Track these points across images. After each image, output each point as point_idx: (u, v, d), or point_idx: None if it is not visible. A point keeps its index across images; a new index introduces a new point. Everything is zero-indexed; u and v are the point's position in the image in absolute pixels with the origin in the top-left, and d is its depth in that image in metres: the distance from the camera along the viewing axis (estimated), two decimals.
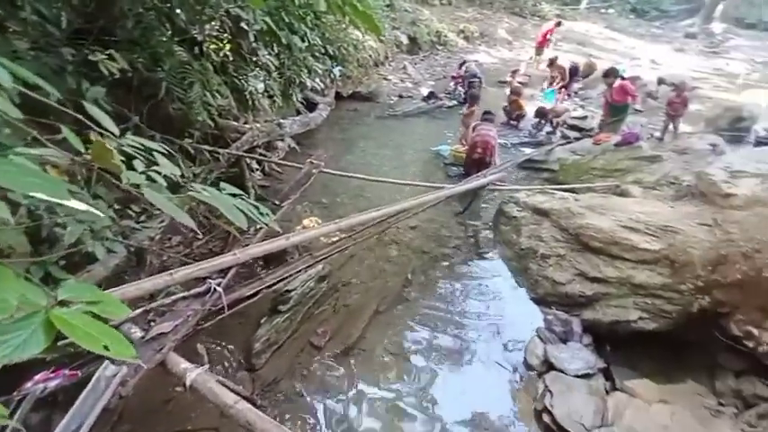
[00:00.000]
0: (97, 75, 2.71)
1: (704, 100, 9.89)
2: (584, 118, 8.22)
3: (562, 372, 2.82)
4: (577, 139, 7.04)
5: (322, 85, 6.65)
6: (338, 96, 8.25)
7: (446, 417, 2.72)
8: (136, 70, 3.13)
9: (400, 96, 9.44)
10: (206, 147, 3.90)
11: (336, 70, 7.35)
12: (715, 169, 3.69)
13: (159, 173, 1.35)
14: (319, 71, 6.02)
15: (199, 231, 3.40)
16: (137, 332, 2.06)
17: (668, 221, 3.34)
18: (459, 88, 9.17)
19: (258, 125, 4.84)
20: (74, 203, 0.79)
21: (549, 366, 2.93)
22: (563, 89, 8.75)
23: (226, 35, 4.53)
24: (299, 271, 2.95)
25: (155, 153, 1.37)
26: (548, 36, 11.89)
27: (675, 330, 3.06)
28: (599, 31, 17.72)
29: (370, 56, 9.50)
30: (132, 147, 1.35)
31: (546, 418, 2.57)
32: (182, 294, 2.31)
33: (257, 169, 5.33)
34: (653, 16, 20.77)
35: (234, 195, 1.38)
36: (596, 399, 2.64)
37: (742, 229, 2.91)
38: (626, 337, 3.19)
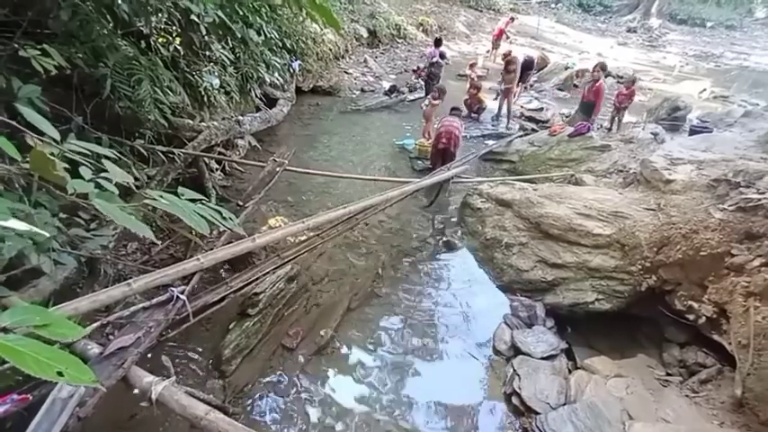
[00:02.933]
0: (30, 72, 2.47)
1: (645, 91, 10.62)
2: (540, 110, 8.59)
3: (528, 355, 2.97)
4: (535, 130, 7.34)
5: (281, 80, 6.47)
6: (299, 91, 8.05)
7: (420, 408, 2.78)
8: (75, 66, 2.88)
9: (362, 90, 9.37)
10: (160, 147, 3.68)
11: (296, 64, 7.17)
12: (656, 157, 3.99)
13: (110, 180, 1.25)
14: (278, 65, 5.85)
15: (156, 240, 3.22)
16: (93, 348, 1.93)
17: (618, 207, 3.57)
18: (421, 81, 9.24)
19: (215, 123, 4.62)
20: (12, 223, 0.72)
21: (516, 351, 3.07)
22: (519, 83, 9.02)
23: (175, 28, 4.27)
24: (267, 272, 2.89)
25: (103, 159, 1.27)
26: (504, 30, 12.25)
27: (628, 309, 3.31)
28: (550, 25, 18.48)
29: (330, 49, 9.33)
30: (77, 152, 1.25)
31: (515, 400, 2.70)
32: (142, 305, 2.19)
33: (217, 169, 5.11)
34: (598, 11, 21.94)
35: (194, 201, 1.32)
36: (560, 378, 2.80)
37: (681, 212, 3.18)
38: (585, 318, 3.40)
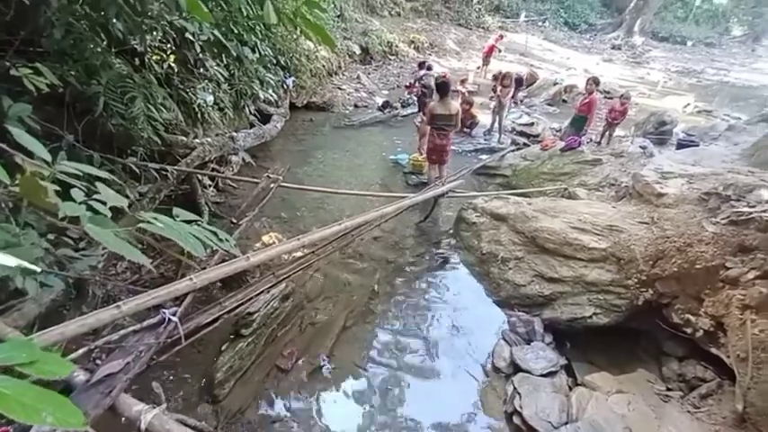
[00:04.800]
0: (21, 90, 2.44)
1: (632, 106, 10.87)
2: (531, 124, 8.73)
3: (528, 372, 2.92)
4: (527, 144, 7.44)
5: (275, 96, 6.50)
6: (293, 107, 8.11)
7: (419, 429, 2.71)
8: (68, 84, 2.86)
9: (355, 106, 9.46)
10: (152, 164, 3.64)
11: (290, 81, 7.23)
12: (647, 171, 4.05)
13: (103, 202, 1.22)
14: (272, 82, 5.89)
15: (148, 263, 3.14)
16: (80, 375, 1.85)
17: (612, 221, 3.60)
18: (414, 97, 9.37)
19: (209, 139, 4.61)
20: (1, 259, 0.68)
21: (515, 368, 3.02)
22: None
23: (169, 46, 4.29)
24: (262, 292, 2.83)
25: (97, 182, 1.24)
26: (494, 47, 12.54)
27: (625, 323, 3.29)
28: (538, 42, 18.98)
29: (324, 66, 9.45)
30: (69, 174, 1.21)
31: (516, 419, 2.64)
32: (132, 328, 2.11)
33: (210, 185, 5.07)
34: (583, 29, 22.60)
35: (189, 222, 1.28)
36: (561, 396, 2.76)
37: (674, 225, 3.21)
38: (583, 333, 3.37)
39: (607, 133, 7.23)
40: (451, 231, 4.84)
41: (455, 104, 5.07)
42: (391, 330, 3.51)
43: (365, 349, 3.30)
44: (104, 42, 3.29)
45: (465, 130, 8.33)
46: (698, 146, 6.39)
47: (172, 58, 4.36)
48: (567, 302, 3.44)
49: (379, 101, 9.48)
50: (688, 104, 11.50)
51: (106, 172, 1.60)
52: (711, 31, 24.94)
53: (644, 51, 19.95)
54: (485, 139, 8.06)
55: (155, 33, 3.71)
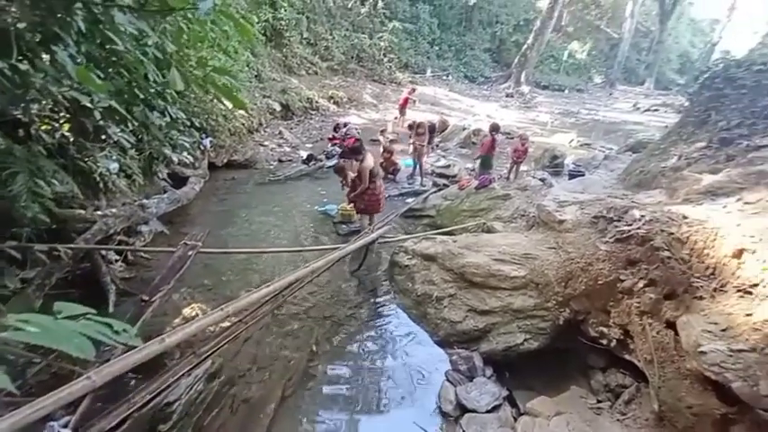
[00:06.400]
0: None
1: (531, 144, 12.44)
2: (448, 166, 9.46)
3: (474, 411, 2.93)
4: (446, 185, 8.01)
5: (191, 158, 6.24)
6: (212, 167, 7.82)
7: None
8: None
9: (280, 161, 9.45)
10: (39, 246, 3.18)
11: (206, 141, 7.04)
12: (548, 201, 4.58)
13: None
14: (186, 144, 5.66)
15: (10, 385, 2.64)
16: None
17: (527, 249, 3.95)
18: (337, 148, 9.67)
19: (114, 210, 4.20)
20: None
21: (462, 409, 3.01)
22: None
23: (63, 114, 3.95)
24: (182, 375, 2.52)
25: None
26: (408, 99, 13.66)
27: (553, 344, 3.52)
28: (445, 93, 21.15)
29: (243, 124, 9.39)
30: None
31: None
32: None
33: (118, 260, 4.54)
34: (481, 81, 25.88)
35: (76, 317, 1.13)
36: (507, 430, 2.79)
37: (575, 247, 3.62)
38: (519, 360, 3.52)
39: (514, 169, 8.14)
40: (386, 277, 4.87)
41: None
42: (334, 391, 3.32)
43: (308, 418, 3.05)
44: None
45: (389, 176, 8.74)
46: (584, 175, 7.44)
47: (66, 126, 4.01)
48: (500, 332, 3.60)
49: (304, 154, 9.60)
50: (572, 139, 13.47)
51: None
52: (579, 80, 30.21)
53: (532, 98, 23.27)
54: (408, 183, 8.50)
55: (43, 103, 3.40)
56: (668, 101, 22.69)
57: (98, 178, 4.37)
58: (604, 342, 3.33)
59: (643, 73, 34.07)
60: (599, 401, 3.12)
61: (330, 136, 10.57)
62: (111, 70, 3.78)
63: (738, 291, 2.55)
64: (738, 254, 2.61)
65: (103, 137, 4.51)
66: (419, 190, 7.96)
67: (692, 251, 2.83)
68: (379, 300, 4.52)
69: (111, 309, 3.91)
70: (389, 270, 4.81)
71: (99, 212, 4.01)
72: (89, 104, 3.78)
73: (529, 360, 3.52)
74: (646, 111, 22.10)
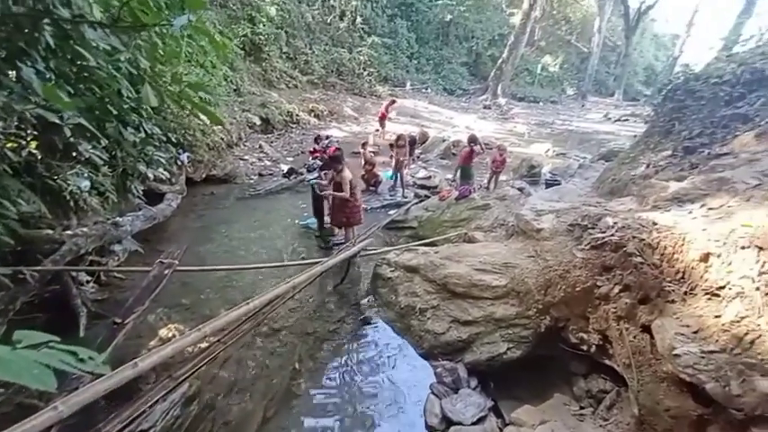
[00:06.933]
0: None
1: (509, 155, 12.75)
2: (429, 177, 9.57)
3: (460, 424, 2.91)
4: (427, 196, 8.08)
5: (167, 174, 6.10)
6: (191, 182, 7.66)
7: None
8: None
9: (260, 175, 9.35)
10: (2, 269, 3.03)
11: (184, 156, 6.90)
12: (525, 210, 4.68)
13: None
14: (162, 160, 5.54)
15: None
16: None
17: (507, 259, 4.01)
18: (318, 162, 9.65)
19: (85, 229, 4.05)
20: None
21: (448, 422, 2.99)
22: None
23: (30, 132, 3.82)
24: (157, 401, 2.42)
25: None
26: (387, 111, 13.82)
27: (535, 351, 3.56)
28: (425, 106, 21.52)
29: (222, 138, 9.27)
30: None
31: None
32: None
33: (89, 281, 4.36)
34: (459, 93, 26.49)
35: (36, 346, 1.08)
36: None
37: (553, 255, 3.70)
38: (503, 369, 3.54)
39: (493, 179, 8.30)
40: (369, 290, 4.84)
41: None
42: (318, 409, 3.25)
43: None
44: None
45: (371, 188, 8.77)
46: (560, 184, 7.66)
47: (34, 144, 3.87)
48: (483, 342, 3.61)
49: (285, 168, 9.54)
50: (548, 149, 13.88)
51: None
52: (553, 92, 31.33)
53: (509, 109, 23.93)
54: (390, 195, 8.54)
55: (7, 121, 3.28)
56: (636, 111, 23.72)
57: (68, 197, 4.21)
58: (585, 348, 3.38)
59: (612, 85, 35.66)
60: (582, 408, 3.16)
61: (311, 149, 10.53)
62: (82, 86, 3.69)
63: (707, 293, 2.65)
64: (705, 257, 2.72)
65: (74, 154, 4.37)
66: (401, 201, 8.01)
67: (662, 256, 2.94)
68: (362, 313, 4.47)
69: (81, 333, 3.75)
70: (373, 283, 4.79)
71: (68, 232, 3.85)
72: (58, 121, 3.68)
73: (513, 369, 3.54)
74: (616, 121, 23.08)
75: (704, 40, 32.13)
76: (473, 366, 3.56)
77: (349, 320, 4.42)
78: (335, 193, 5.39)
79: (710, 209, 3.11)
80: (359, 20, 21.38)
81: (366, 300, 4.76)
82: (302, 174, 9.20)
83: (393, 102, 14.50)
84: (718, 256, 2.66)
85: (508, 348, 3.52)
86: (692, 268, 2.78)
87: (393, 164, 8.62)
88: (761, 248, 2.45)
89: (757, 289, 2.38)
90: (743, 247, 2.53)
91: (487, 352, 3.55)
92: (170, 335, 3.84)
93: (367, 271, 5.24)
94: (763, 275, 2.39)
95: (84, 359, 1.15)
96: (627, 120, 22.61)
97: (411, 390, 3.51)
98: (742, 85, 4.59)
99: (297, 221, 6.87)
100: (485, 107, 23.97)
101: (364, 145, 10.26)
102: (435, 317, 3.91)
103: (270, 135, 12.70)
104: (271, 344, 3.89)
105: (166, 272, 3.58)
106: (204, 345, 3.10)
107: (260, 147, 11.18)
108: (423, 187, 9.00)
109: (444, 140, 13.07)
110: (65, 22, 2.59)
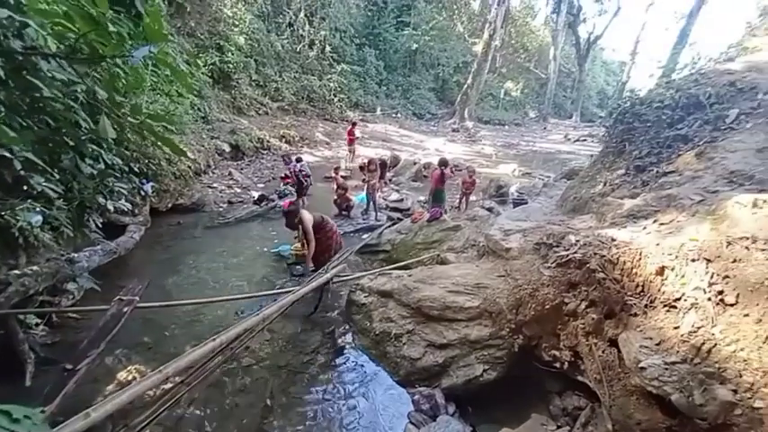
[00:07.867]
0: None
1: (478, 176, 13.16)
2: (401, 200, 9.70)
3: None
4: (400, 219, 8.15)
5: (129, 206, 5.85)
6: (156, 212, 7.39)
7: None
8: None
9: (230, 202, 9.16)
10: None
11: (147, 186, 6.65)
12: (494, 230, 4.80)
13: None
14: (124, 191, 5.32)
15: None
16: None
17: (478, 279, 4.06)
18: (290, 188, 9.60)
19: (35, 267, 3.78)
20: None
21: None
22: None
23: None
24: None
25: None
26: (353, 134, 14.00)
27: (510, 372, 3.57)
28: (395, 130, 22.04)
29: (189, 167, 9.05)
30: None
31: None
32: None
33: (39, 323, 4.04)
34: (428, 117, 27.40)
35: None
36: None
37: (522, 274, 3.79)
38: (480, 392, 3.51)
39: (463, 200, 8.52)
40: (344, 317, 4.75)
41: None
42: None
43: None
44: None
45: (343, 213, 8.77)
46: (527, 203, 7.94)
47: None
48: (459, 366, 3.59)
49: (255, 194, 9.41)
50: (515, 169, 14.45)
51: None
52: (516, 115, 33.03)
53: (476, 132, 24.91)
54: (363, 219, 8.55)
55: None
56: (593, 132, 25.26)
57: (17, 233, 3.95)
58: (558, 365, 3.43)
59: (570, 107, 38.06)
60: (558, 427, 3.17)
61: (282, 175, 10.49)
62: (35, 118, 3.54)
63: (665, 305, 2.78)
64: (661, 271, 2.86)
65: (25, 188, 4.13)
66: (374, 225, 8.03)
67: (622, 271, 3.07)
68: (337, 342, 4.35)
69: (28, 382, 3.43)
70: (347, 309, 4.70)
71: (16, 272, 3.59)
72: (7, 154, 3.49)
73: (490, 391, 3.52)
74: (576, 141, 24.50)
75: (648, 66, 35.14)
76: (450, 391, 3.52)
77: (323, 350, 4.29)
78: (311, 250, 5.38)
79: (662, 224, 3.30)
80: (328, 48, 21.91)
81: (340, 328, 4.65)
82: (273, 200, 9.10)
83: (354, 124, 14.72)
84: (672, 269, 2.81)
85: (484, 370, 3.51)
86: (650, 281, 2.91)
87: (365, 188, 8.69)
88: (708, 260, 2.62)
89: (709, 299, 2.52)
90: (693, 260, 2.68)
91: (464, 375, 3.52)
92: (129, 378, 3.58)
93: (342, 293, 5.15)
94: (713, 286, 2.54)
95: (20, 419, 1.05)
96: (585, 140, 24.04)
97: (389, 420, 3.41)
98: (680, 109, 5.00)
99: (268, 249, 6.71)
100: (453, 130, 24.84)
101: (336, 170, 10.30)
102: (411, 342, 3.87)
103: (240, 162, 12.55)
104: (240, 381, 3.70)
105: (126, 309, 3.37)
106: (167, 386, 2.91)
107: (230, 174, 11.00)
108: (395, 209, 9.11)
109: (415, 163, 13.36)
110: (16, 54, 2.50)
